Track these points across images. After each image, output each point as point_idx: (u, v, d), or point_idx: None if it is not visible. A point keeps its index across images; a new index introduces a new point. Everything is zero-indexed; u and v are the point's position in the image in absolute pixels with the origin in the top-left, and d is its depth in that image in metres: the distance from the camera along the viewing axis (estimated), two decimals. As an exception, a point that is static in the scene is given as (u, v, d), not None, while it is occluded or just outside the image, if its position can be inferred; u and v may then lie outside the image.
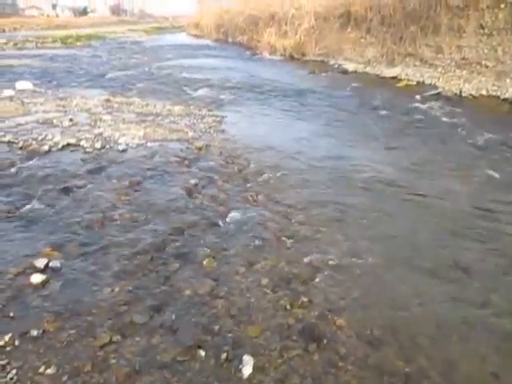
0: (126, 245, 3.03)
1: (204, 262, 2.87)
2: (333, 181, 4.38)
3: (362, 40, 14.41)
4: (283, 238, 3.21)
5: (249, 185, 4.17)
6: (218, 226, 3.38)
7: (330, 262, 2.92)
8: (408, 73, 11.28)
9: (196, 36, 33.90)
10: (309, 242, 3.19)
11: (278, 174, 4.45)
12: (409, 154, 5.30)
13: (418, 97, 8.68)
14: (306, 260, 2.95)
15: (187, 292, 2.56)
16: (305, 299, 2.54)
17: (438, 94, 9.07)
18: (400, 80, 10.89)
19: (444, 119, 7.11)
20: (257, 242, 3.14)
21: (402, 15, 12.70)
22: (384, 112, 7.59)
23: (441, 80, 10.07)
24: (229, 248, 3.05)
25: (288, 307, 2.47)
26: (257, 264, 2.87)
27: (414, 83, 10.40)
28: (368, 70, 12.68)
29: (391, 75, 11.53)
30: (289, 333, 2.28)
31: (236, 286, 2.64)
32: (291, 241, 3.19)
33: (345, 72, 12.76)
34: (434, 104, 8.08)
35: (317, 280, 2.74)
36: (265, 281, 2.68)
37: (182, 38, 33.71)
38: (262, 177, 4.37)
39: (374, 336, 2.28)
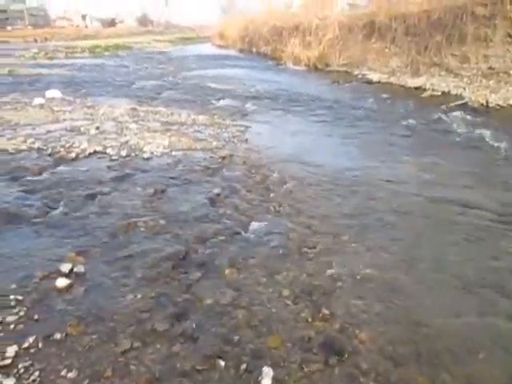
0: (149, 252, 3.06)
1: (226, 272, 2.87)
2: (356, 192, 4.34)
3: (387, 50, 14.33)
4: (305, 249, 3.19)
5: (271, 195, 4.17)
6: (240, 235, 3.38)
7: (352, 275, 2.89)
8: (433, 83, 11.14)
9: (220, 46, 34.34)
10: (331, 254, 3.16)
11: (301, 185, 4.44)
12: (434, 166, 5.21)
13: (443, 107, 8.56)
14: (327, 272, 2.92)
15: (208, 301, 2.56)
16: (326, 311, 2.51)
17: (464, 104, 8.92)
18: (425, 90, 10.76)
19: (470, 130, 6.97)
20: (279, 252, 3.13)
21: (427, 25, 12.59)
22: (408, 123, 7.50)
23: (467, 90, 9.90)
24: (250, 258, 3.05)
25: (309, 319, 2.44)
26: (278, 275, 2.85)
27: (439, 93, 10.26)
28: (392, 80, 12.58)
29: (416, 85, 11.40)
30: (309, 345, 2.25)
31: (257, 296, 2.63)
32: (313, 252, 3.16)
33: (369, 82, 12.70)
34: (460, 114, 7.95)
35: (338, 292, 2.71)
36: (286, 292, 2.67)
37: (206, 48, 34.18)
38: (285, 187, 4.36)
39: (396, 351, 2.23)
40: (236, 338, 2.27)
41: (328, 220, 3.70)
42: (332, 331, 2.36)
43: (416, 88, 11.19)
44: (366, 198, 4.20)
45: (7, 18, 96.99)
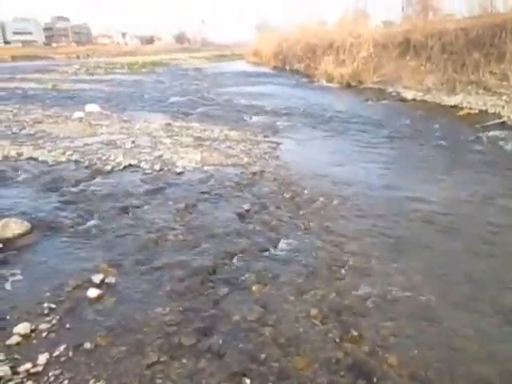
0: (178, 266, 3.09)
1: (253, 288, 2.86)
2: (388, 211, 4.26)
3: (422, 68, 14.15)
4: (334, 268, 3.15)
5: (301, 212, 4.15)
6: (269, 252, 3.38)
7: (383, 295, 2.82)
8: (470, 101, 10.88)
9: (255, 63, 34.75)
10: (361, 274, 3.10)
11: (331, 203, 4.39)
12: (470, 186, 5.06)
13: (480, 126, 8.33)
14: (357, 292, 2.86)
15: (235, 317, 2.55)
16: (355, 333, 2.45)
17: (503, 123, 8.65)
18: (461, 108, 10.51)
19: (508, 150, 6.75)
20: (307, 270, 3.10)
21: (464, 42, 12.39)
22: (444, 141, 7.33)
23: (505, 109, 9.60)
24: (279, 275, 3.03)
25: (337, 340, 2.39)
26: (306, 293, 2.82)
27: (476, 112, 10.00)
28: (427, 98, 12.38)
29: (452, 103, 11.16)
30: (337, 367, 2.20)
31: (284, 314, 2.60)
32: (342, 271, 3.12)
33: (403, 100, 12.53)
34: (498, 134, 7.71)
35: (368, 313, 2.65)
36: (314, 311, 2.63)
37: (241, 65, 34.67)
38: (315, 204, 4.33)
39: (427, 377, 2.15)
40: (262, 356, 2.25)
41: (358, 239, 3.64)
42: (361, 354, 2.30)
43: (452, 106, 10.96)
44: (398, 218, 4.11)
45: (53, 36, 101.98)
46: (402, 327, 2.52)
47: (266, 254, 3.35)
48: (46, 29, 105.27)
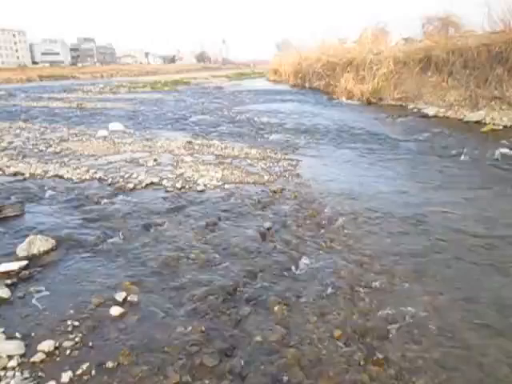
0: (199, 285, 3.09)
1: (275, 308, 2.83)
2: (411, 230, 4.19)
3: (443, 84, 14.04)
4: (357, 289, 3.10)
5: (323, 231, 4.11)
6: (291, 271, 3.35)
7: (408, 317, 2.76)
8: (494, 117, 10.71)
9: (275, 81, 35.10)
10: (385, 294, 3.04)
11: (353, 221, 4.35)
12: (496, 204, 4.95)
13: (504, 142, 8.18)
14: (381, 313, 2.80)
15: (257, 338, 2.53)
16: (380, 356, 2.40)
17: (529, 140, 8.47)
18: (485, 124, 10.36)
19: (536, 167, 6.59)
20: (330, 290, 3.06)
21: (487, 58, 12.26)
22: (467, 158, 7.22)
23: (531, 125, 9.43)
24: (301, 295, 3.00)
25: (361, 363, 2.34)
26: (329, 314, 2.78)
27: (500, 128, 9.84)
28: (450, 114, 12.25)
29: (475, 119, 11.01)
30: (362, 391, 2.15)
31: (307, 335, 2.57)
32: (366, 292, 3.06)
33: (425, 116, 12.43)
34: (524, 150, 7.55)
35: (393, 336, 2.59)
36: (337, 333, 2.58)
37: (261, 83, 35.04)
38: (337, 223, 4.30)
39: (456, 405, 2.08)
40: (285, 378, 2.22)
41: (381, 258, 3.59)
42: (386, 377, 2.24)
43: (475, 122, 10.81)
44: (421, 236, 4.04)
45: (78, 56, 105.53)
46: (428, 350, 2.46)
47: (288, 273, 3.33)
48: (72, 49, 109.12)
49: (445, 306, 2.89)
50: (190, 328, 2.61)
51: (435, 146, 8.25)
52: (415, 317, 2.76)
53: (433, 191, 5.47)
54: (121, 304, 2.86)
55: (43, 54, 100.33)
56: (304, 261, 3.49)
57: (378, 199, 5.06)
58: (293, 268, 3.40)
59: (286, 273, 3.33)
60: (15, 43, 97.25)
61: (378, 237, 4.02)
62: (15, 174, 5.95)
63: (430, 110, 12.87)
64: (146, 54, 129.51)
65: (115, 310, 2.78)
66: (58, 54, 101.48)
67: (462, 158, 7.27)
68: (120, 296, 2.93)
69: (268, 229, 4.11)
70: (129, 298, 2.92)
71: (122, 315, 2.75)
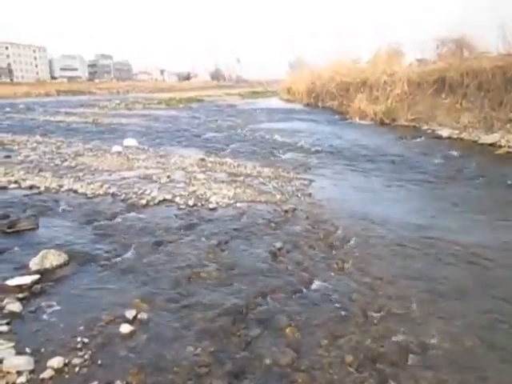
0: (210, 304, 3.08)
1: (286, 331, 2.80)
2: (424, 253, 4.14)
3: (458, 105, 14.01)
4: (370, 312, 3.05)
5: (334, 252, 4.08)
6: (302, 293, 3.32)
7: (421, 343, 2.70)
8: (509, 139, 10.62)
9: (288, 100, 35.33)
10: (397, 319, 2.99)
11: (366, 243, 4.31)
12: (510, 231, 4.87)
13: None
14: (394, 338, 2.76)
15: (267, 361, 2.50)
16: (393, 383, 2.35)
17: (545, 163, 8.37)
18: (500, 147, 10.28)
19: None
20: (341, 313, 3.02)
21: (501, 80, 12.24)
22: (482, 180, 7.15)
23: (547, 148, 9.33)
24: (312, 318, 2.96)
25: (373, 390, 2.30)
26: (341, 338, 2.74)
27: (516, 151, 9.75)
28: (464, 135, 12.19)
29: (489, 142, 10.94)
30: (373, 420, 2.10)
31: (318, 359, 2.53)
32: (378, 316, 3.02)
33: (438, 137, 12.38)
34: (540, 174, 7.45)
35: (406, 362, 2.54)
36: (349, 358, 2.54)
37: (274, 102, 35.30)
38: (349, 244, 4.27)
39: None
40: (295, 404, 2.18)
41: (394, 282, 3.54)
42: (398, 407, 2.19)
43: (490, 144, 10.73)
44: (435, 261, 3.98)
45: (96, 72, 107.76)
46: (442, 378, 2.41)
47: (299, 294, 3.30)
48: (90, 65, 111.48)
49: (459, 332, 2.84)
50: (199, 348, 2.59)
51: (449, 169, 8.19)
52: (429, 342, 2.72)
53: (447, 214, 5.41)
54: (131, 322, 2.85)
55: (62, 69, 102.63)
56: (315, 282, 3.46)
57: (390, 221, 5.01)
58: (304, 289, 3.37)
59: (297, 294, 3.30)
60: (35, 58, 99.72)
61: (390, 260, 3.98)
62: (31, 188, 6.03)
63: (444, 132, 12.82)
64: (162, 71, 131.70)
65: (125, 328, 2.78)
66: (76, 69, 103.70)
67: (477, 181, 7.20)
68: (130, 313, 2.92)
69: (279, 249, 4.09)
70: (139, 316, 2.92)
71: (131, 333, 2.74)
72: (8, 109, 22.96)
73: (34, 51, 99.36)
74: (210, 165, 7.96)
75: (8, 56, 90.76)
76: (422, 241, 4.44)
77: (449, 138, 12.26)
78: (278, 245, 4.16)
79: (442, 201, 6.03)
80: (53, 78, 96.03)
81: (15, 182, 6.28)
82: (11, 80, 76.90)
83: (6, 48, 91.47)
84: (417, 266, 3.86)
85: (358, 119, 17.26)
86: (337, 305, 3.15)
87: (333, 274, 3.64)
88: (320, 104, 25.86)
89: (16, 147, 9.64)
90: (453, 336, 2.79)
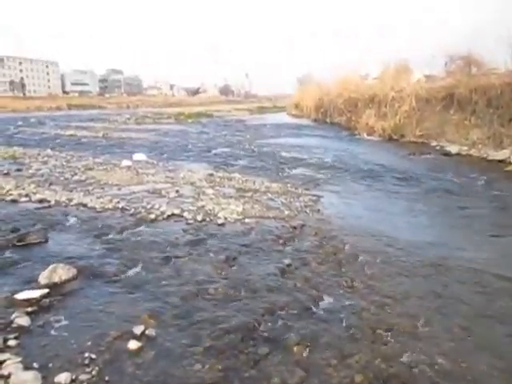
0: (218, 321, 3.06)
1: (294, 349, 2.77)
2: (434, 271, 4.10)
3: (466, 122, 14.01)
4: (379, 331, 3.02)
5: (343, 269, 4.05)
6: (311, 310, 3.29)
7: (431, 362, 2.66)
8: (519, 156, 10.59)
9: (296, 116, 35.53)
10: (408, 338, 2.95)
11: (375, 260, 4.28)
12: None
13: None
14: (404, 358, 2.72)
15: (276, 380, 2.47)
16: (402, 404, 2.31)
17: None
18: (509, 163, 10.24)
19: None
20: (350, 332, 2.99)
21: (510, 96, 12.23)
22: (492, 198, 7.10)
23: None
24: (321, 336, 2.93)
25: (384, 412, 2.26)
26: (350, 357, 2.70)
27: (526, 167, 9.69)
28: (473, 152, 12.17)
29: (499, 158, 10.91)
30: None
31: (327, 379, 2.49)
32: (388, 335, 2.98)
33: (447, 154, 12.36)
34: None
35: (416, 382, 2.49)
36: (359, 378, 2.50)
37: (282, 117, 35.50)
38: (358, 261, 4.24)
39: None
40: (303, 425, 2.15)
41: (404, 300, 3.50)
42: (409, 429, 2.15)
43: (499, 161, 10.70)
44: (445, 279, 3.94)
45: (106, 87, 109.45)
46: (453, 401, 2.36)
47: (308, 312, 3.26)
48: (100, 80, 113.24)
49: (470, 352, 2.80)
50: (207, 366, 2.57)
51: (459, 186, 8.15)
52: (440, 362, 2.67)
53: (456, 232, 5.37)
54: (138, 338, 2.84)
55: (73, 83, 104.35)
56: (324, 300, 3.43)
57: (399, 238, 4.98)
58: (313, 307, 3.34)
59: (306, 312, 3.27)
60: (47, 73, 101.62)
61: (399, 277, 3.94)
62: (41, 201, 6.08)
63: (453, 148, 12.80)
64: (171, 86, 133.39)
65: (133, 344, 2.76)
66: (87, 84, 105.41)
67: (487, 197, 7.15)
68: (138, 329, 2.91)
69: (288, 265, 4.07)
70: (147, 332, 2.90)
71: (139, 349, 2.72)
72: (20, 122, 23.31)
73: (47, 66, 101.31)
74: (218, 180, 7.99)
75: (21, 71, 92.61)
76: (432, 258, 4.40)
77: (458, 154, 12.24)
78: (287, 261, 4.14)
79: (452, 218, 5.99)
80: (64, 92, 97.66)
81: (26, 195, 6.33)
82: (24, 94, 78.19)
83: (20, 63, 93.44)
84: (427, 284, 3.82)
85: (366, 135, 17.30)
86: (346, 323, 3.11)
87: (342, 291, 3.61)
88: (328, 120, 25.98)
89: (27, 160, 9.75)
90: (463, 356, 2.74)
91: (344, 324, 3.10)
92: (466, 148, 12.62)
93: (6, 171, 8.20)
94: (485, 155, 11.60)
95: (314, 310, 3.31)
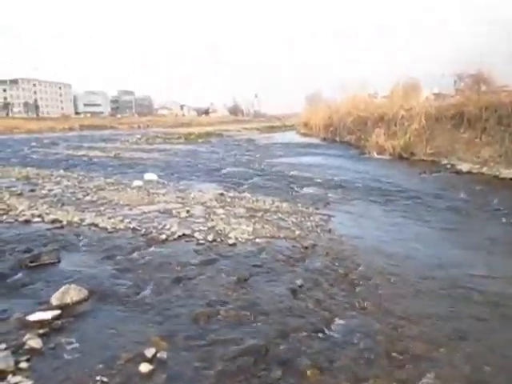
0: (230, 343, 3.02)
1: (308, 373, 2.72)
2: (448, 292, 4.03)
3: (477, 140, 13.96)
4: (394, 354, 2.96)
5: (356, 290, 4.00)
6: (324, 333, 3.24)
7: (449, 389, 2.60)
8: (531, 174, 10.50)
9: (305, 134, 35.68)
10: (423, 362, 2.89)
11: (388, 281, 4.23)
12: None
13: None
14: (420, 383, 2.65)
15: (289, 405, 2.42)
16: (420, 432, 2.24)
17: None
18: (523, 182, 10.14)
19: None
20: (365, 356, 2.93)
21: (522, 114, 12.21)
22: (506, 217, 7.00)
23: None
24: (334, 359, 2.88)
25: None
26: (365, 382, 2.64)
27: (540, 185, 9.58)
28: (484, 170, 12.08)
29: (511, 176, 10.81)
30: None
31: (342, 405, 2.44)
32: (403, 358, 2.92)
33: (459, 172, 12.28)
34: None
35: (433, 409, 2.43)
36: (374, 403, 2.45)
37: (291, 136, 35.68)
38: (371, 282, 4.18)
39: None
40: None
41: (419, 322, 3.44)
42: None
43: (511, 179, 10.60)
44: (461, 300, 3.87)
45: (118, 107, 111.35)
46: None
47: (321, 334, 3.21)
48: (112, 101, 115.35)
49: (489, 377, 2.72)
50: (219, 390, 2.53)
51: (472, 204, 8.07)
52: (457, 389, 2.60)
53: (470, 252, 5.29)
54: (150, 360, 2.81)
55: (85, 105, 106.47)
56: (337, 322, 3.38)
57: (412, 258, 4.92)
58: (326, 329, 3.29)
59: (318, 334, 3.22)
60: (60, 95, 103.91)
61: (414, 299, 3.88)
62: (53, 222, 6.12)
63: (464, 166, 12.72)
64: (182, 106, 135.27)
65: (144, 367, 2.73)
66: (99, 105, 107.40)
67: (501, 217, 7.06)
68: (149, 352, 2.89)
69: (300, 286, 4.03)
70: (158, 355, 2.87)
71: (150, 372, 2.70)
72: (34, 143, 23.72)
73: (60, 88, 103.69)
74: (228, 200, 8.00)
75: (35, 92, 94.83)
76: (447, 279, 4.34)
77: (469, 172, 12.15)
78: (299, 282, 4.10)
79: (466, 238, 5.91)
80: (77, 113, 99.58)
81: (39, 215, 6.39)
82: (37, 115, 79.82)
83: (34, 85, 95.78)
84: (442, 306, 3.75)
85: (375, 154, 17.28)
86: (360, 346, 3.06)
87: (355, 313, 3.56)
88: (337, 138, 26.04)
89: (40, 181, 9.87)
90: (481, 381, 2.67)
91: (358, 347, 3.05)
92: (477, 166, 12.54)
93: (19, 192, 8.31)
94: (497, 173, 11.51)
95: (327, 332, 3.25)
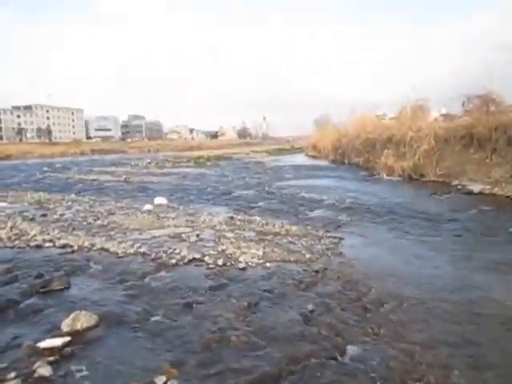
0: (241, 371, 2.98)
1: (321, 402, 2.67)
2: (464, 316, 3.95)
3: (487, 160, 13.89)
4: (409, 382, 2.89)
5: (369, 315, 3.94)
6: (336, 359, 3.18)
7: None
8: (544, 194, 10.38)
9: (313, 157, 35.77)
10: (439, 390, 2.81)
11: (401, 305, 4.15)
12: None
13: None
14: (437, 413, 2.58)
15: None
16: None
17: None
18: (536, 202, 10.02)
19: None
20: (378, 383, 2.86)
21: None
22: (520, 239, 6.89)
23: None
24: (348, 388, 2.82)
25: None
26: (380, 412, 2.58)
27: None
28: (496, 191, 11.96)
29: (524, 197, 10.70)
30: None
31: None
32: (418, 386, 2.84)
33: (470, 193, 12.17)
34: None
35: None
36: (389, 434, 2.38)
37: (300, 158, 35.79)
38: (383, 307, 4.11)
39: None
40: None
41: (433, 348, 3.36)
42: None
43: (524, 200, 10.48)
44: (476, 324, 3.78)
45: (128, 132, 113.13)
46: None
47: (333, 361, 3.15)
48: (123, 126, 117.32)
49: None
50: (231, 420, 2.48)
51: (485, 226, 7.96)
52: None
53: (485, 275, 5.19)
54: (161, 389, 2.78)
55: (96, 129, 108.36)
56: (350, 348, 3.32)
57: (425, 282, 4.84)
58: (338, 356, 3.23)
59: (331, 361, 3.16)
60: (73, 120, 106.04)
61: (428, 324, 3.80)
62: (64, 246, 6.17)
63: (475, 187, 12.62)
64: (191, 130, 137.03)
65: (155, 397, 2.70)
66: (110, 130, 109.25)
67: (514, 238, 6.95)
68: (160, 380, 2.85)
69: (311, 311, 3.98)
70: (169, 383, 2.84)
71: (161, 402, 2.66)
72: (46, 168, 24.10)
73: (72, 113, 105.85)
74: (238, 223, 7.99)
75: (48, 118, 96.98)
76: (461, 302, 4.25)
77: (480, 193, 12.04)
78: (310, 307, 4.05)
79: (479, 260, 5.81)
80: (88, 137, 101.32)
81: (50, 240, 6.44)
82: (50, 140, 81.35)
83: (47, 111, 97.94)
84: (457, 331, 3.67)
85: (385, 175, 17.24)
86: (373, 373, 2.99)
87: (368, 339, 3.49)
88: (346, 160, 26.07)
89: (52, 205, 9.99)
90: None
91: (371, 374, 2.98)
92: (488, 187, 12.43)
93: (31, 216, 8.40)
94: (509, 193, 11.39)
95: (340, 358, 3.19)
